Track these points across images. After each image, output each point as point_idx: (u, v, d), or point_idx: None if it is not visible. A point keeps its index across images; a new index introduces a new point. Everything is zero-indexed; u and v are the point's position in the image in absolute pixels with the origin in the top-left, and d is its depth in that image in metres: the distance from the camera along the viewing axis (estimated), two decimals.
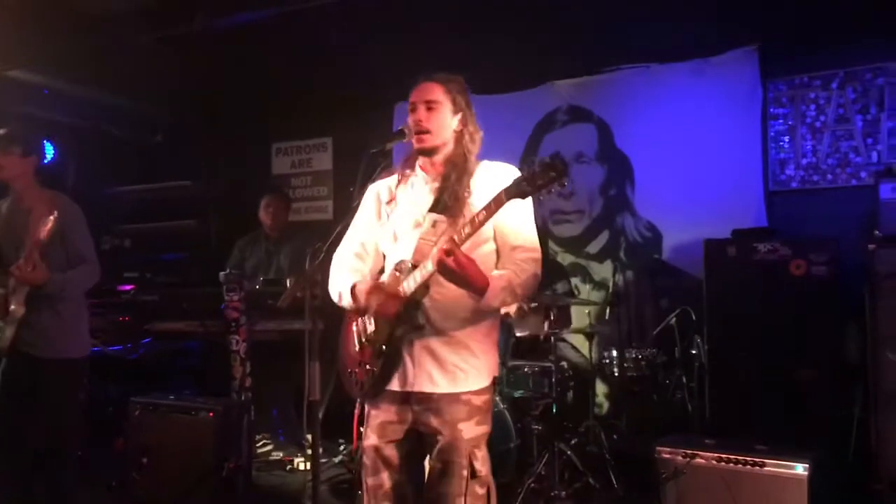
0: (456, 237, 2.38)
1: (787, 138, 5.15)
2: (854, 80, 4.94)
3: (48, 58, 5.37)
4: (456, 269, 2.35)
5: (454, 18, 5.00)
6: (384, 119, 5.79)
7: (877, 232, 4.21)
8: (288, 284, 4.85)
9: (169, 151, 7.22)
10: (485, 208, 2.36)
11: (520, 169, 2.61)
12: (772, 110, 5.18)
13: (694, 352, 4.76)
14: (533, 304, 4.69)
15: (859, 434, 4.21)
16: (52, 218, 3.44)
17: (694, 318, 4.78)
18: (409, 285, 2.52)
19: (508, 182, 2.38)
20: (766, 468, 3.52)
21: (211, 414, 4.34)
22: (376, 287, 2.61)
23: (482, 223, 2.38)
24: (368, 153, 2.64)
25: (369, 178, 2.68)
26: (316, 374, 2.32)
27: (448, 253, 2.33)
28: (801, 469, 3.45)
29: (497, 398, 4.41)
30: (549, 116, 5.99)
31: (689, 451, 3.71)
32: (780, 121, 5.16)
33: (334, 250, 2.74)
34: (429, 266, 2.45)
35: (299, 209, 6.89)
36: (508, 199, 2.31)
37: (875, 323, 4.08)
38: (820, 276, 4.33)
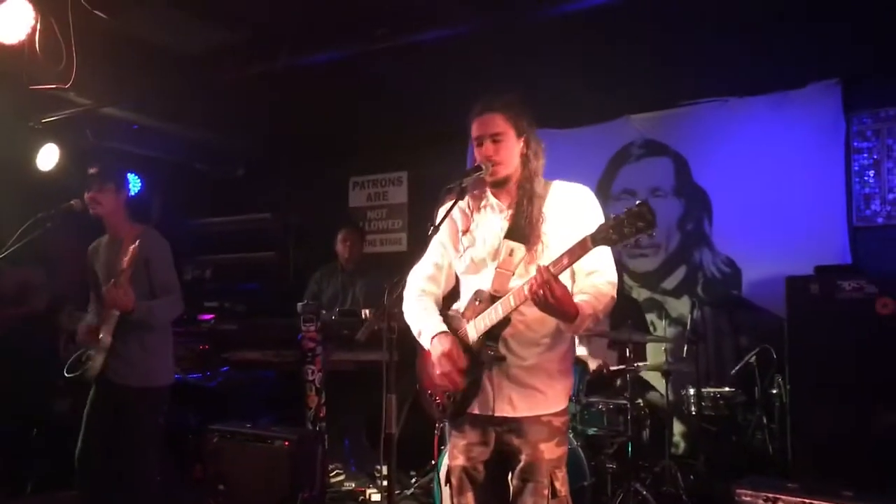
0: (550, 269, 2.38)
1: (872, 172, 5.01)
2: None
3: (138, 95, 5.61)
4: (552, 302, 2.36)
5: (526, 53, 5.04)
6: (458, 153, 5.83)
7: None
8: (364, 316, 4.92)
9: (250, 185, 7.45)
10: (568, 252, 2.37)
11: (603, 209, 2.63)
12: (856, 144, 5.06)
13: (775, 391, 4.64)
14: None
15: None
16: (133, 247, 3.57)
17: (775, 356, 4.66)
18: (490, 319, 2.55)
19: (583, 210, 2.48)
20: None
21: (286, 443, 4.41)
22: (450, 352, 2.61)
23: (567, 266, 2.39)
24: (445, 189, 2.67)
25: (447, 215, 2.71)
26: (393, 408, 2.34)
27: (546, 283, 2.34)
28: None
29: (570, 435, 4.36)
30: (624, 150, 5.97)
31: (770, 495, 3.58)
32: (865, 154, 5.03)
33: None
34: (511, 301, 2.48)
35: (374, 241, 7.01)
36: (594, 245, 2.32)
37: None
38: None
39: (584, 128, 6.05)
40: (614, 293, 2.60)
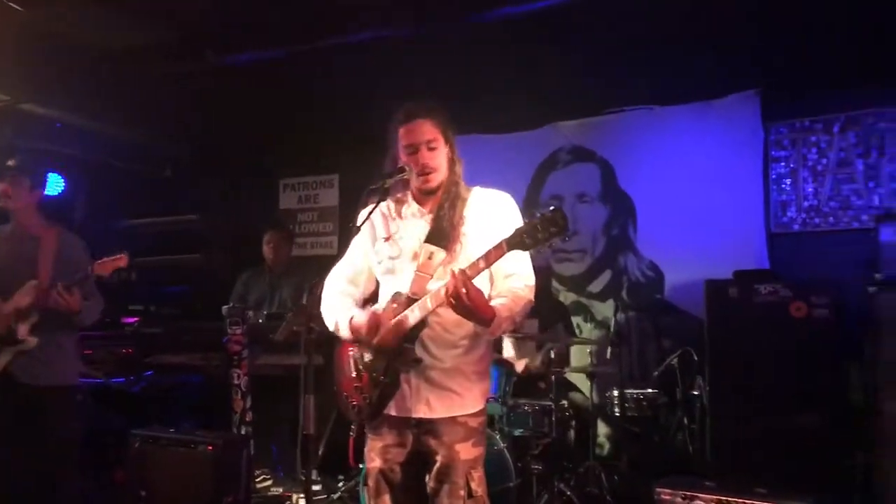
0: (466, 272, 2.40)
1: (788, 181, 5.19)
2: (855, 125, 5.00)
3: (60, 91, 5.46)
4: (468, 304, 2.38)
5: (458, 60, 5.08)
6: (388, 147, 5.82)
7: (877, 275, 4.22)
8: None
9: (178, 186, 7.30)
10: (485, 256, 2.41)
11: (522, 211, 2.66)
12: (774, 153, 5.24)
13: (696, 393, 4.75)
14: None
15: (863, 479, 4.17)
16: (123, 256, 3.57)
17: (696, 358, 4.77)
18: (406, 320, 2.55)
19: (502, 214, 2.55)
20: None
21: (210, 448, 4.33)
22: (374, 322, 2.63)
23: (483, 269, 2.43)
24: (368, 190, 2.67)
25: (368, 217, 2.71)
26: (311, 409, 2.33)
27: (461, 287, 2.36)
28: None
29: (497, 437, 4.39)
30: (552, 156, 6.06)
31: (688, 493, 3.67)
32: (782, 163, 5.21)
33: None
34: (428, 303, 2.49)
35: (305, 244, 6.96)
36: (509, 249, 2.37)
37: (876, 366, 4.07)
38: (821, 318, 4.32)
39: (515, 134, 6.13)
40: (531, 296, 2.65)
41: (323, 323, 2.75)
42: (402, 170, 2.68)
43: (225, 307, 5.15)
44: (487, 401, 2.76)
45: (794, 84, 5.08)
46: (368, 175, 2.78)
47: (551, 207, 2.30)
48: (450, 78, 5.17)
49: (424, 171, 2.64)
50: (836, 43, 4.62)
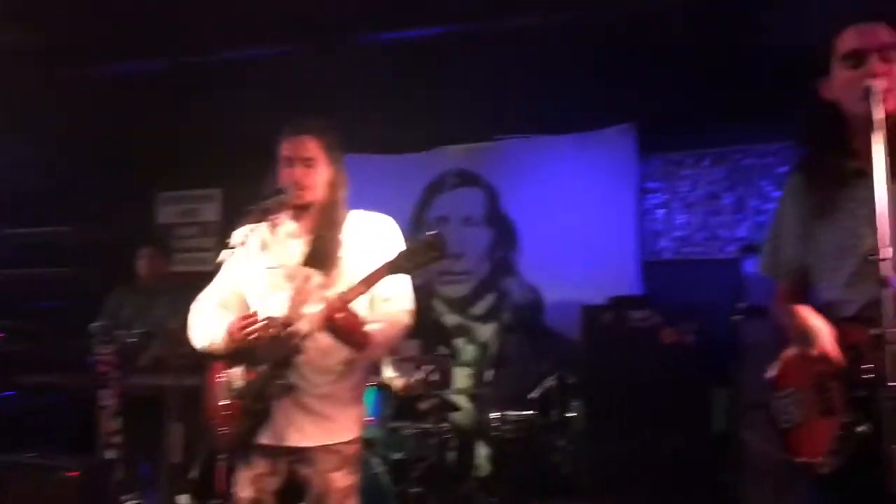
0: (344, 296, 2.37)
1: (661, 211, 5.42)
2: (724, 160, 5.28)
3: None
4: (344, 329, 2.36)
5: (348, 80, 5.08)
6: (274, 173, 5.75)
7: (741, 304, 4.45)
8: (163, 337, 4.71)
9: (51, 196, 6.96)
10: (365, 280, 2.38)
11: (409, 231, 2.67)
12: (648, 185, 5.47)
13: (571, 415, 4.86)
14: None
15: (728, 500, 4.36)
16: None
17: (572, 382, 4.89)
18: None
19: (382, 238, 2.53)
20: None
21: (75, 473, 4.13)
22: (245, 314, 2.53)
23: (362, 293, 2.40)
24: (245, 210, 2.62)
25: (244, 237, 2.65)
26: (177, 436, 2.26)
27: (338, 311, 2.33)
28: None
29: (375, 460, 4.37)
30: (440, 179, 6.13)
31: None
32: (656, 195, 5.44)
33: None
34: (304, 327, 2.44)
35: (185, 260, 6.74)
36: (390, 272, 2.35)
37: (739, 391, 4.28)
38: (688, 344, 4.53)
39: (405, 155, 6.16)
40: (409, 321, 2.63)
41: (193, 348, 2.67)
42: (280, 191, 2.64)
43: (93, 325, 4.92)
44: (366, 424, 2.73)
45: (667, 119, 5.30)
46: (252, 190, 2.72)
47: (432, 232, 2.31)
48: (340, 97, 5.16)
49: (296, 188, 2.60)
50: (707, 81, 4.88)
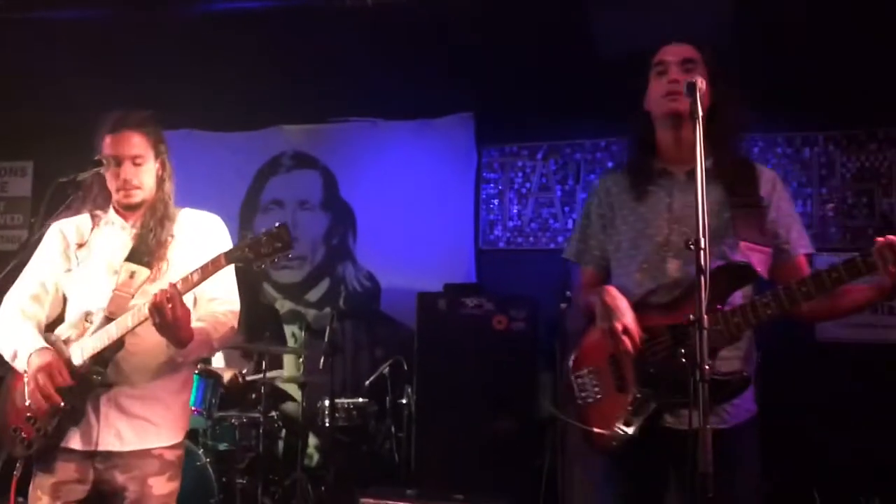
0: (178, 286, 2.24)
1: (496, 201, 5.52)
2: (556, 153, 5.43)
3: None
4: (170, 321, 2.21)
5: (181, 51, 4.81)
6: (94, 148, 5.37)
7: (568, 292, 4.59)
8: None
9: None
10: (201, 269, 2.26)
11: (241, 215, 2.56)
12: (485, 174, 5.55)
13: (404, 401, 4.86)
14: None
15: (548, 483, 4.49)
16: None
17: (406, 368, 4.89)
18: (101, 341, 2.33)
19: (210, 237, 2.46)
20: None
21: None
22: (49, 364, 2.33)
23: (197, 283, 2.28)
24: (57, 182, 2.44)
25: (55, 209, 2.46)
26: None
27: (168, 300, 2.19)
28: None
29: (200, 452, 4.18)
30: (274, 160, 5.94)
31: (391, 502, 3.75)
32: (492, 185, 5.53)
33: (8, 286, 2.48)
34: (129, 321, 2.30)
35: None
36: (228, 263, 2.25)
37: (562, 377, 4.41)
38: (519, 331, 4.63)
39: (237, 133, 5.92)
40: (235, 323, 2.55)
41: None
42: (98, 163, 2.47)
43: None
44: (191, 415, 2.59)
45: (505, 110, 5.39)
46: (68, 164, 2.53)
47: (277, 224, 2.22)
48: (165, 68, 4.88)
49: (125, 187, 2.46)
50: (543, 75, 5.00)
